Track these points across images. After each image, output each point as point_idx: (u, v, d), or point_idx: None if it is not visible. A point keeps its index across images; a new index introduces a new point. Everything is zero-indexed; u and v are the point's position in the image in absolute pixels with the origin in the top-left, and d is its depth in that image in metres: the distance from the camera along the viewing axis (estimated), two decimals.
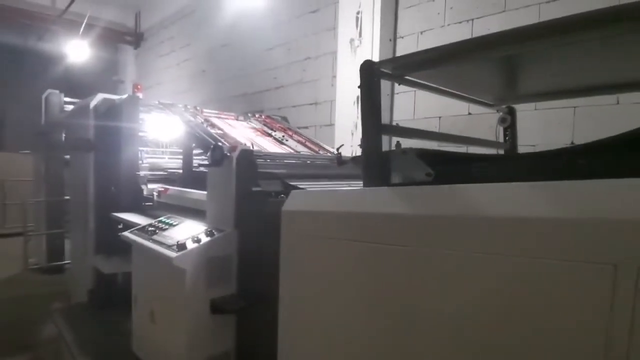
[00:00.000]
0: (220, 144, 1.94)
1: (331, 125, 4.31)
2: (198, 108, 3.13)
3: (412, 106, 3.75)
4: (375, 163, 1.42)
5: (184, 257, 1.81)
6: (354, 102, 3.88)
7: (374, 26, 3.80)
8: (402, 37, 3.87)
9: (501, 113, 2.29)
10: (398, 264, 1.19)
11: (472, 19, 3.43)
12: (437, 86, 1.90)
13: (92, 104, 3.14)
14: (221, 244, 1.93)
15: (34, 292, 3.93)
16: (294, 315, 1.50)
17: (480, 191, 1.06)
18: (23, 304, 3.67)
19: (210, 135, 2.36)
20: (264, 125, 3.52)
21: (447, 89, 1.96)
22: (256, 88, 5.49)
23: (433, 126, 3.61)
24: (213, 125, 2.78)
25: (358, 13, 3.90)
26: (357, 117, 3.90)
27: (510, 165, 1.27)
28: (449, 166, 1.34)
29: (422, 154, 1.37)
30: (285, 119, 3.97)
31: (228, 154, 1.93)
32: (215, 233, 1.94)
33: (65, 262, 4.04)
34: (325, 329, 1.40)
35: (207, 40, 6.37)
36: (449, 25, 3.57)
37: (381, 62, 1.49)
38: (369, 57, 3.94)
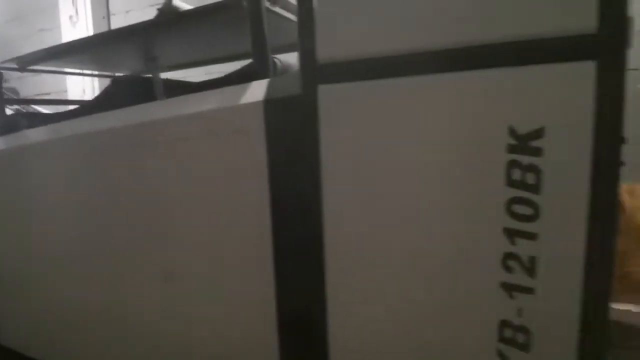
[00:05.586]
0: None
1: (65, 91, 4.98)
2: None
3: None
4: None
5: None
6: None
7: (86, 6, 4.56)
8: (114, 15, 4.72)
9: None
10: None
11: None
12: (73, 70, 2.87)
13: None
14: None
15: None
16: None
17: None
18: None
19: None
20: None
21: (86, 71, 2.95)
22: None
23: None
24: None
25: None
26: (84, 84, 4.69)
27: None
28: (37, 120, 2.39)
29: (27, 115, 2.40)
30: (14, 89, 4.52)
31: None
32: None
33: None
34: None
35: None
36: (150, 6, 4.54)
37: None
38: (85, 32, 4.70)
